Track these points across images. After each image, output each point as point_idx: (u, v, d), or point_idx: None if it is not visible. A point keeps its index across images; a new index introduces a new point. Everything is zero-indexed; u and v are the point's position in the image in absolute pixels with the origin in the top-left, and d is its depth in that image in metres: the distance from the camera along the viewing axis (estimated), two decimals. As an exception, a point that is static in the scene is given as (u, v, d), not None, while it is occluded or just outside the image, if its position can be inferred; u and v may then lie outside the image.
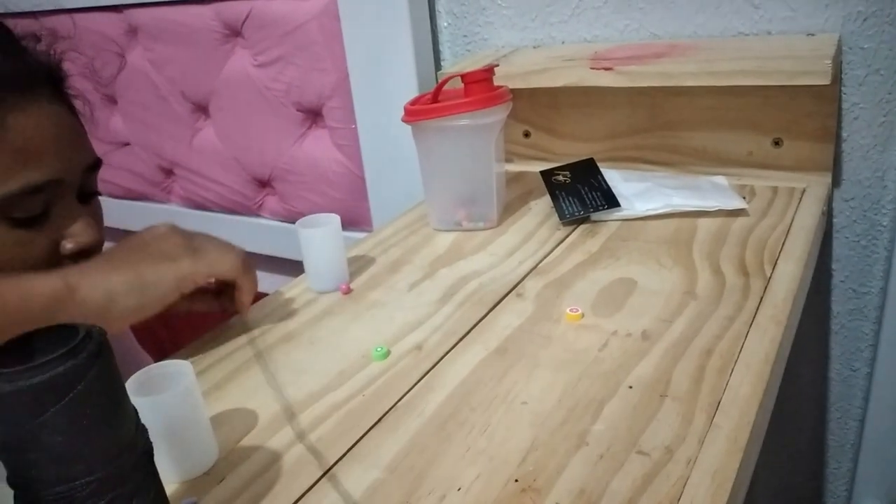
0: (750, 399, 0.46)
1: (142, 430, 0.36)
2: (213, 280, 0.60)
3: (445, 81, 0.76)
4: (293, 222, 1.29)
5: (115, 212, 1.38)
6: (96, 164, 0.64)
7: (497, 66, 0.76)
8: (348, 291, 0.68)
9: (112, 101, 1.45)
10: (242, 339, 0.62)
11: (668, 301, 0.59)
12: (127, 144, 1.48)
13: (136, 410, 0.36)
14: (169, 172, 1.46)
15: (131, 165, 1.49)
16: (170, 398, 0.44)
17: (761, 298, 0.58)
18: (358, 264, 0.74)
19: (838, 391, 0.95)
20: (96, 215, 0.65)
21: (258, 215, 1.36)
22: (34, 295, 0.51)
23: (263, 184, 1.32)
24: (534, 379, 0.51)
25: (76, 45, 0.66)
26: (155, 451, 0.44)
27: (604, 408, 0.47)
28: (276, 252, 1.32)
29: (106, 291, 0.53)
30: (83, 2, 1.35)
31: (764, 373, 0.49)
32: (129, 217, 1.54)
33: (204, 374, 0.57)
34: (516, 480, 0.42)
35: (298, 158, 1.22)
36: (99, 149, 0.65)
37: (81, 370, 0.32)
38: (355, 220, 1.21)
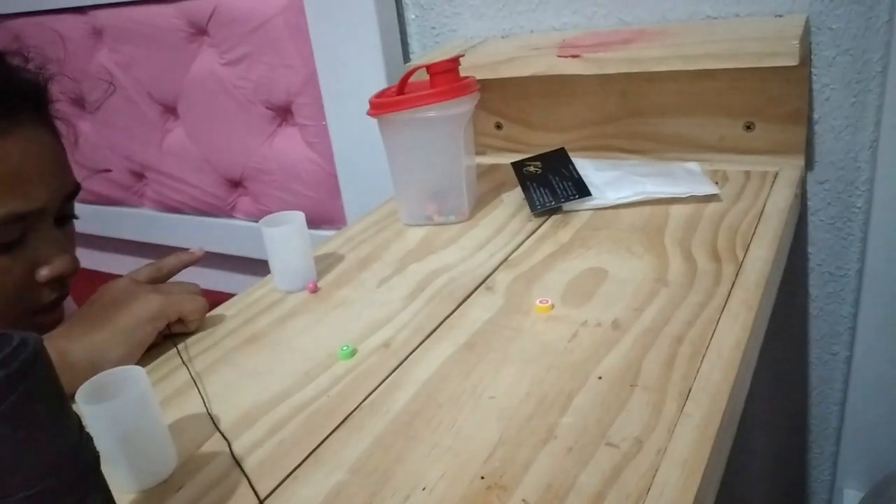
0: (721, 385, 0.45)
1: (86, 439, 0.35)
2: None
3: (410, 73, 0.74)
4: (266, 222, 1.28)
5: (90, 219, 1.35)
6: (76, 190, 0.64)
7: (462, 56, 0.75)
8: (315, 290, 0.66)
9: (80, 104, 1.42)
10: (207, 342, 0.60)
11: (638, 289, 0.58)
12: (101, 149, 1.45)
13: (79, 418, 0.35)
14: (140, 176, 1.44)
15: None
16: (122, 405, 0.42)
17: (733, 283, 0.57)
18: (326, 262, 0.72)
19: (818, 375, 0.94)
20: (71, 240, 0.65)
21: (231, 216, 1.34)
22: None
23: (235, 184, 1.30)
24: (502, 373, 0.50)
25: (64, 69, 0.66)
26: (110, 460, 0.42)
27: (573, 400, 0.46)
28: (251, 253, 1.30)
29: (93, 349, 0.54)
30: (46, 4, 1.32)
31: (735, 359, 0.48)
32: (103, 224, 1.52)
33: (166, 379, 0.55)
34: (482, 477, 0.40)
35: (269, 157, 1.20)
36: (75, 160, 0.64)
37: (15, 381, 0.30)
38: (329, 217, 1.19)
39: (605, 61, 0.77)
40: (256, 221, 1.30)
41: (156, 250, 1.49)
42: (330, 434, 0.46)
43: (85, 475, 0.34)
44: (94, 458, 0.35)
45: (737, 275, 0.58)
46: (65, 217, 0.64)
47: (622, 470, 0.40)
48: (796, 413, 0.98)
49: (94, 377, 0.44)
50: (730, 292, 0.56)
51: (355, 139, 1.07)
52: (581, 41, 0.84)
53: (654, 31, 0.83)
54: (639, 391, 0.46)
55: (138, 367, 0.44)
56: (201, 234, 1.38)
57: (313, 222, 1.20)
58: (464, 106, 0.73)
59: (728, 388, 0.45)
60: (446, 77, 0.73)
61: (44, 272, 0.61)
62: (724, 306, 0.54)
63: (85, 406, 0.42)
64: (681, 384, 0.46)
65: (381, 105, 0.73)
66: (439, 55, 0.91)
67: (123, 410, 0.42)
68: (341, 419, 0.47)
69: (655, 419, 0.43)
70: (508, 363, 0.50)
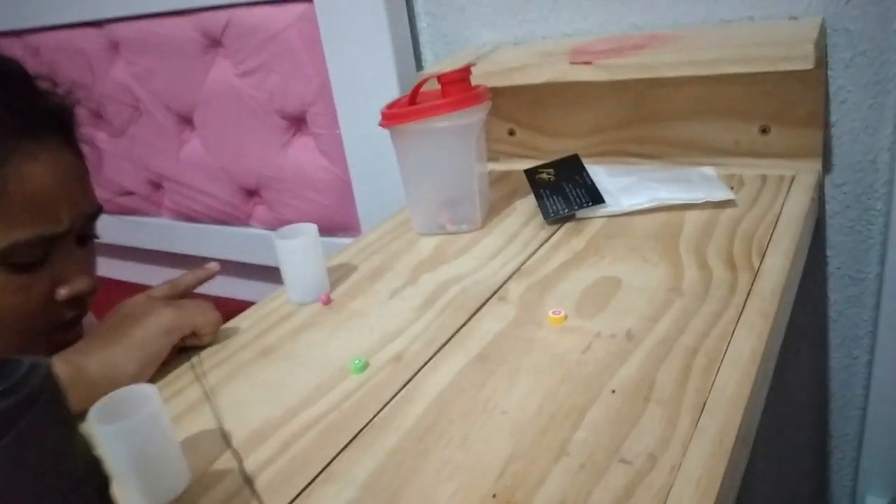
0: (736, 399, 0.45)
1: (96, 464, 0.35)
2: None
3: (422, 83, 0.74)
4: (282, 231, 1.29)
5: (108, 228, 1.37)
6: (98, 211, 0.65)
7: (474, 64, 0.75)
8: (328, 302, 0.67)
9: (97, 115, 1.44)
10: (220, 354, 0.61)
11: (653, 299, 0.57)
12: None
13: (89, 443, 0.35)
14: (158, 186, 1.45)
15: (120, 180, 1.48)
16: (134, 424, 0.42)
17: (748, 293, 0.56)
18: (339, 273, 0.72)
19: (839, 380, 0.93)
20: (91, 259, 0.66)
21: (248, 225, 1.35)
22: None
23: (251, 193, 1.31)
24: (515, 386, 0.49)
25: (91, 93, 0.68)
26: (122, 480, 0.42)
27: (586, 414, 0.45)
28: (267, 261, 1.31)
29: (110, 365, 0.55)
30: (63, 18, 1.34)
31: (751, 370, 0.47)
32: (122, 233, 1.53)
33: (180, 394, 0.56)
34: (494, 495, 0.40)
35: (284, 166, 1.21)
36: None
37: (23, 407, 0.30)
38: (344, 225, 1.20)
39: (617, 68, 0.76)
40: (272, 230, 1.31)
41: (174, 259, 1.51)
42: (342, 450, 0.46)
43: (94, 501, 0.34)
44: (104, 484, 0.35)
45: (752, 283, 0.58)
46: (86, 237, 0.65)
47: (636, 487, 0.39)
48: (816, 419, 0.97)
49: (107, 396, 0.44)
50: (745, 302, 0.55)
51: (369, 147, 1.07)
52: (593, 47, 0.83)
53: (666, 35, 0.83)
54: (653, 405, 0.45)
55: (150, 385, 0.45)
56: (218, 242, 1.39)
57: (328, 230, 1.20)
58: (476, 115, 0.73)
59: (744, 401, 0.45)
60: (458, 86, 0.73)
61: (63, 291, 0.61)
62: (740, 316, 0.53)
63: (97, 425, 0.42)
64: (695, 397, 0.45)
65: (392, 116, 0.73)
66: (451, 63, 0.91)
67: (136, 429, 0.42)
68: (353, 434, 0.47)
69: (670, 434, 0.43)
70: (521, 376, 0.50)
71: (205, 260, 1.39)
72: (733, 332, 0.52)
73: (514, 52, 0.91)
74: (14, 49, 0.66)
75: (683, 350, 0.50)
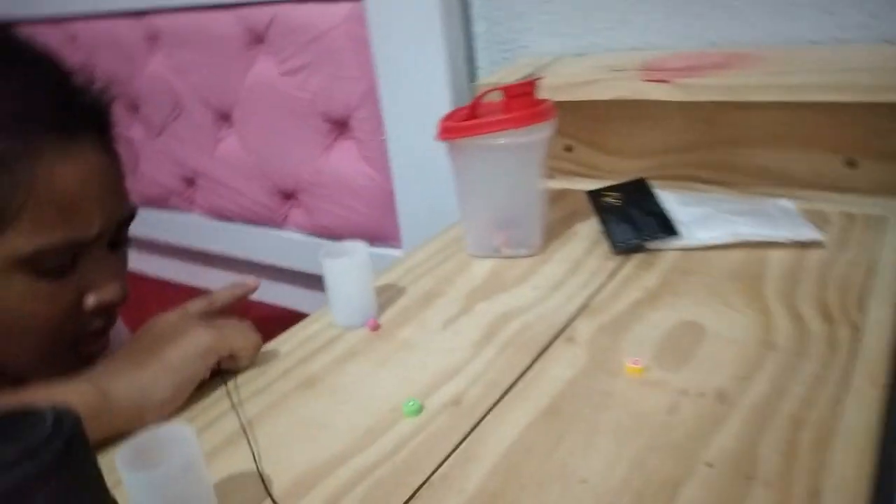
0: (856, 484, 0.39)
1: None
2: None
3: (483, 95, 0.69)
4: (319, 236, 1.24)
5: (137, 221, 1.33)
6: (132, 215, 0.61)
7: (542, 78, 0.69)
8: (376, 328, 0.61)
9: (134, 108, 1.40)
10: (259, 382, 0.56)
11: (743, 352, 0.51)
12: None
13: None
14: (191, 181, 1.41)
15: (153, 174, 1.45)
16: (168, 473, 0.37)
17: (853, 352, 0.50)
18: (387, 295, 0.67)
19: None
20: (123, 266, 0.61)
21: (283, 228, 1.30)
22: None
23: (288, 196, 1.26)
24: (593, 449, 0.43)
25: (129, 87, 0.63)
26: (150, 537, 0.37)
27: (679, 491, 0.40)
28: (301, 267, 1.27)
29: (139, 389, 0.50)
30: (103, 6, 1.30)
31: (868, 449, 0.41)
32: (151, 227, 1.50)
33: (214, 425, 0.51)
34: (579, 589, 0.34)
35: (324, 171, 1.16)
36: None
37: (44, 476, 0.25)
38: (383, 235, 1.15)
39: (697, 88, 0.70)
40: (309, 235, 1.27)
41: (203, 257, 1.47)
42: (397, 513, 0.41)
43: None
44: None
45: (855, 341, 0.51)
46: (118, 241, 0.60)
47: (748, 592, 0.33)
48: None
49: (138, 436, 0.39)
50: (851, 364, 0.49)
51: (416, 156, 1.02)
52: (666, 64, 0.77)
53: (746, 55, 0.76)
54: (758, 486, 0.39)
55: (187, 428, 0.40)
56: (251, 243, 1.34)
57: (367, 239, 1.15)
58: (541, 133, 0.67)
59: (864, 487, 0.39)
60: (523, 100, 0.67)
61: (91, 300, 0.57)
62: (848, 382, 0.47)
63: (126, 471, 0.37)
64: (807, 480, 0.39)
65: (451, 129, 0.68)
66: (509, 73, 0.86)
67: (169, 479, 0.37)
68: (409, 494, 0.42)
69: (781, 525, 0.37)
70: (600, 437, 0.44)
71: (235, 260, 1.35)
72: (841, 400, 0.45)
73: (578, 64, 0.85)
74: (51, 37, 0.62)
75: (786, 420, 0.44)
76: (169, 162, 1.41)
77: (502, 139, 0.67)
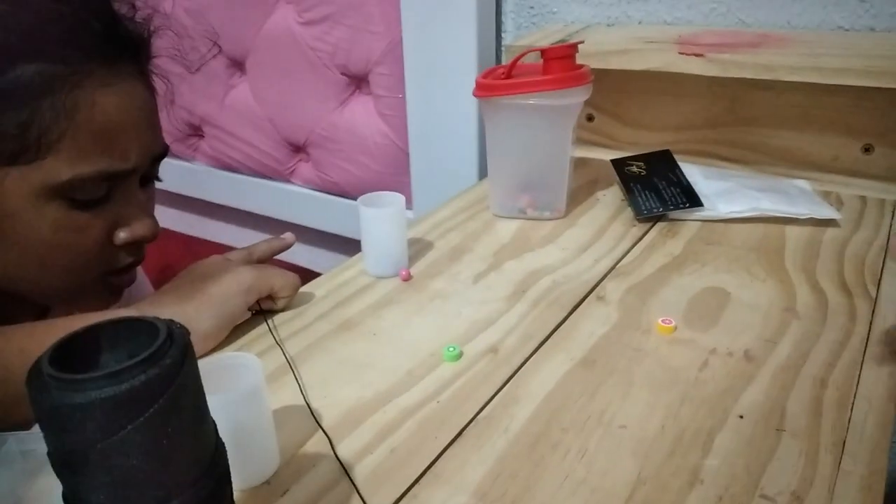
0: (879, 441, 0.41)
1: (221, 450, 0.31)
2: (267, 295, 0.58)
3: (523, 55, 0.70)
4: (326, 192, 1.25)
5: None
6: (164, 152, 0.61)
7: (582, 42, 0.70)
8: (408, 278, 0.63)
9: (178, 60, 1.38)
10: (296, 323, 0.57)
11: (767, 318, 0.54)
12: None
13: (216, 426, 0.31)
14: (197, 129, 1.40)
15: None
16: (238, 397, 0.39)
17: (871, 323, 0.53)
18: (415, 248, 0.69)
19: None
20: (152, 203, 0.62)
21: (289, 181, 1.30)
22: None
23: (298, 149, 1.26)
24: (630, 399, 0.46)
25: (171, 24, 0.63)
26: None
27: (714, 439, 0.42)
28: (306, 222, 1.27)
29: (183, 321, 0.51)
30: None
31: (889, 412, 0.44)
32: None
33: (256, 362, 0.52)
34: (626, 521, 0.37)
35: (338, 125, 1.16)
36: None
37: (165, 381, 0.27)
38: (394, 194, 1.15)
39: (732, 64, 0.72)
40: (315, 189, 1.27)
41: (203, 207, 1.46)
42: (446, 448, 0.43)
43: (217, 492, 0.31)
44: (227, 471, 0.32)
45: (873, 313, 0.54)
46: (149, 178, 0.61)
47: (783, 530, 0.36)
48: None
49: (206, 360, 0.40)
50: (868, 333, 0.52)
51: (434, 117, 1.03)
52: (700, 39, 0.79)
53: (778, 36, 0.78)
54: (787, 438, 0.42)
55: (252, 356, 0.41)
56: (255, 196, 1.34)
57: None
58: (578, 97, 0.69)
59: (886, 444, 0.41)
60: (562, 63, 0.68)
61: (123, 234, 0.57)
62: (866, 349, 0.50)
63: (196, 393, 0.38)
64: (832, 435, 0.42)
65: (488, 87, 0.69)
66: (539, 38, 0.87)
67: (237, 403, 0.39)
68: (457, 432, 0.44)
69: (811, 473, 0.39)
70: (636, 388, 0.47)
71: (237, 212, 1.34)
72: (861, 365, 0.48)
73: (609, 34, 0.86)
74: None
75: (810, 380, 0.47)
76: (175, 107, 1.39)
77: (538, 100, 0.68)
